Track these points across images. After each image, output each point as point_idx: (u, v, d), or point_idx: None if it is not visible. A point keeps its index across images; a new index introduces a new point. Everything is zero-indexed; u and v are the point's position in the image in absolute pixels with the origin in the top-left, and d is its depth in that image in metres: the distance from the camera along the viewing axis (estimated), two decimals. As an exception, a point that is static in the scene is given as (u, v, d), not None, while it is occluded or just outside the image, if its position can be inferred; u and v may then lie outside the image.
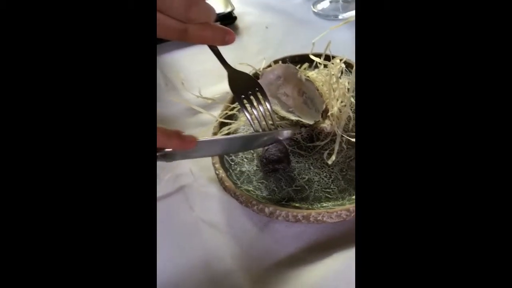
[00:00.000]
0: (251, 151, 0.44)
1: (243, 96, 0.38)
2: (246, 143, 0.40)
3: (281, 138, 0.40)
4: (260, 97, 0.39)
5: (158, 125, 0.31)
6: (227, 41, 0.33)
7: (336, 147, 0.40)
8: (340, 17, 0.70)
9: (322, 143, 0.42)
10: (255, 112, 0.39)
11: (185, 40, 0.31)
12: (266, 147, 0.39)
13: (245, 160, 0.43)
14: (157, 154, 0.32)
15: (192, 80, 0.56)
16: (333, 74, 0.43)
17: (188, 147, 0.33)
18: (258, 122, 0.39)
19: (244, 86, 0.39)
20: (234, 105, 0.48)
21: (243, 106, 0.38)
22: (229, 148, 0.40)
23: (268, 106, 0.39)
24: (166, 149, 0.32)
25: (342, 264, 0.32)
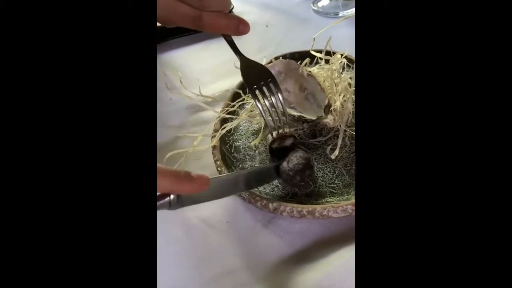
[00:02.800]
0: (253, 147, 0.43)
1: (255, 86, 0.37)
2: (264, 176, 0.37)
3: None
4: (273, 88, 0.38)
5: (165, 166, 0.27)
6: (241, 31, 0.32)
7: (339, 142, 0.39)
8: (340, 14, 0.69)
9: (325, 138, 0.41)
10: (266, 103, 0.37)
11: (200, 27, 0.31)
12: (287, 159, 0.36)
13: (247, 157, 0.42)
14: (160, 202, 0.27)
15: (192, 79, 0.56)
16: (335, 69, 0.43)
17: (201, 189, 0.28)
18: (270, 113, 0.38)
19: (257, 76, 0.38)
20: (234, 103, 0.48)
21: (254, 96, 0.37)
22: (245, 185, 0.35)
23: (281, 97, 0.38)
24: (172, 195, 0.27)
25: (348, 260, 0.32)
